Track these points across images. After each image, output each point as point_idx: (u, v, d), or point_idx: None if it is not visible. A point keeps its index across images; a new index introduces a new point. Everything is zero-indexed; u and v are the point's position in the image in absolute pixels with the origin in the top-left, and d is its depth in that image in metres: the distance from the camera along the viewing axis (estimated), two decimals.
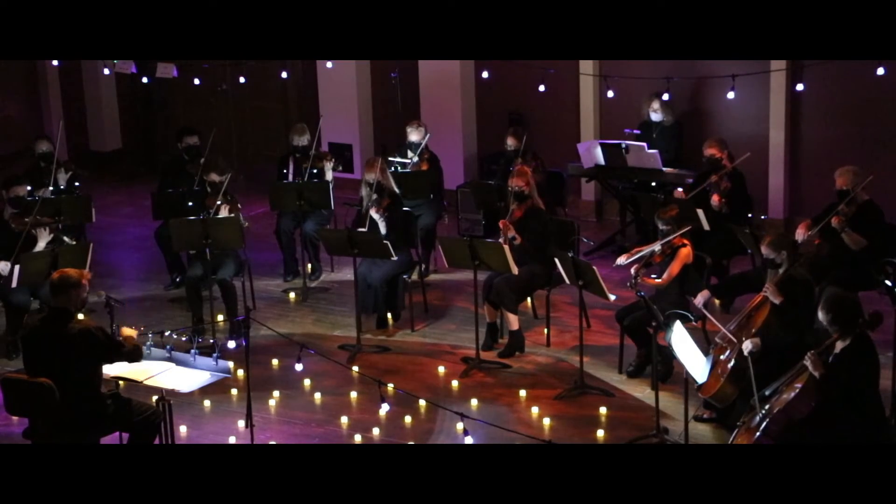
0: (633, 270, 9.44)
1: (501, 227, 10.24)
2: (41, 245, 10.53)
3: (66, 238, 10.81)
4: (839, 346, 7.72)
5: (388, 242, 10.30)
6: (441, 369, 10.10)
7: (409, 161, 12.10)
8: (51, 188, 11.84)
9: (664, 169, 12.00)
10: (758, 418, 7.85)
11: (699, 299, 9.20)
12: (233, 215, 10.82)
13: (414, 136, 12.19)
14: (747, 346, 8.19)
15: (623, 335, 9.72)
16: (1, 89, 15.80)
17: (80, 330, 7.82)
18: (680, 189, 11.45)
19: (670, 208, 9.70)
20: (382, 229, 10.69)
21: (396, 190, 11.07)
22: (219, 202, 10.95)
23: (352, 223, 11.14)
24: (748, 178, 11.30)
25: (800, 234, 9.97)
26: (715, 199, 10.87)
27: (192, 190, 11.62)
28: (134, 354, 8.04)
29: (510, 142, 12.09)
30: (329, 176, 12.05)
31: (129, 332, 8.30)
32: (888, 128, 12.18)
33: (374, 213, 10.73)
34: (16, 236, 10.53)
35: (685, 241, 9.54)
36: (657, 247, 9.55)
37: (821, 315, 7.76)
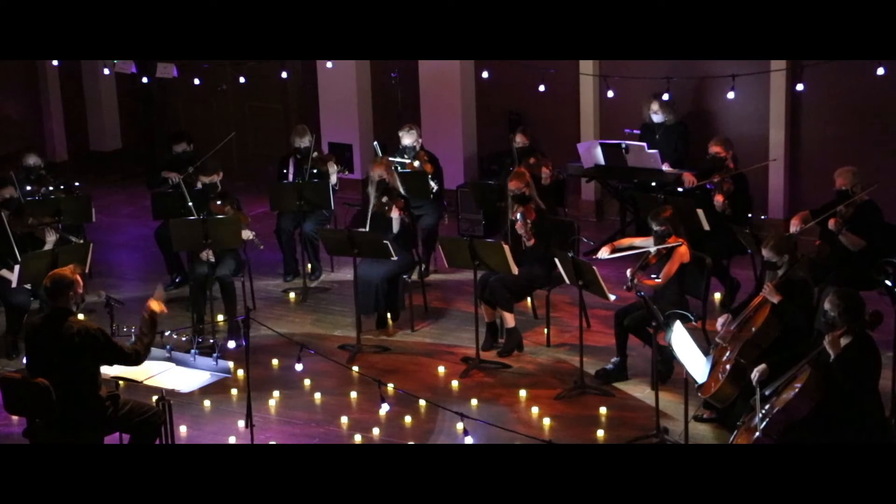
0: (629, 272, 9.44)
1: (520, 231, 10.20)
2: (48, 247, 10.54)
3: (73, 238, 10.82)
4: (841, 343, 7.71)
5: (387, 242, 10.30)
6: (441, 369, 10.10)
7: (407, 160, 12.08)
8: (50, 188, 11.86)
9: (664, 169, 12.00)
10: (758, 418, 7.85)
11: (720, 322, 8.94)
12: (233, 216, 10.85)
13: (407, 139, 12.15)
14: (755, 375, 8.10)
15: (624, 335, 9.69)
16: (1, 89, 15.80)
17: (80, 330, 7.80)
18: (688, 174, 11.40)
19: (664, 209, 9.68)
20: (395, 228, 10.65)
21: (402, 191, 11.06)
22: (220, 203, 10.97)
23: (351, 222, 11.13)
24: (748, 178, 11.29)
25: (794, 226, 9.98)
26: (719, 199, 10.88)
27: (191, 191, 11.61)
28: (134, 358, 7.98)
29: (519, 139, 12.06)
30: (334, 179, 12.03)
31: (154, 305, 8.06)
32: (888, 128, 12.18)
33: (394, 214, 10.69)
34: (18, 238, 10.54)
35: (681, 240, 9.53)
36: (651, 249, 9.55)
37: (829, 307, 7.75)
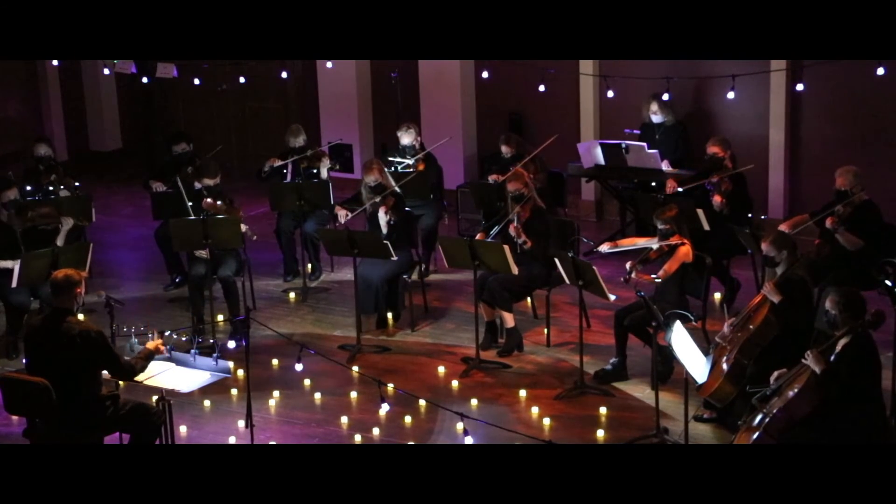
0: (628, 266, 9.44)
1: (513, 234, 10.19)
2: (62, 235, 10.57)
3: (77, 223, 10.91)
4: (841, 344, 7.71)
5: (387, 242, 10.31)
6: (441, 369, 10.10)
7: (408, 161, 12.07)
8: (51, 188, 11.86)
9: (664, 169, 12.00)
10: (759, 417, 7.85)
11: (727, 325, 8.84)
12: (231, 215, 10.85)
13: (406, 138, 12.16)
14: (773, 378, 8.10)
15: (624, 335, 9.69)
16: (1, 89, 15.80)
17: (81, 331, 7.81)
18: (672, 180, 11.42)
19: (669, 208, 9.69)
20: (384, 228, 10.69)
21: (397, 189, 11.07)
22: (218, 203, 10.97)
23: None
24: (748, 178, 11.29)
25: (783, 228, 9.99)
26: (717, 199, 10.88)
27: (190, 192, 11.61)
28: (127, 371, 7.96)
29: (504, 149, 12.05)
30: (324, 174, 12.06)
31: (151, 344, 8.17)
32: (888, 128, 12.18)
33: (381, 214, 10.74)
34: (22, 234, 10.57)
35: (684, 240, 9.53)
36: (654, 245, 9.55)
37: (829, 306, 7.75)
